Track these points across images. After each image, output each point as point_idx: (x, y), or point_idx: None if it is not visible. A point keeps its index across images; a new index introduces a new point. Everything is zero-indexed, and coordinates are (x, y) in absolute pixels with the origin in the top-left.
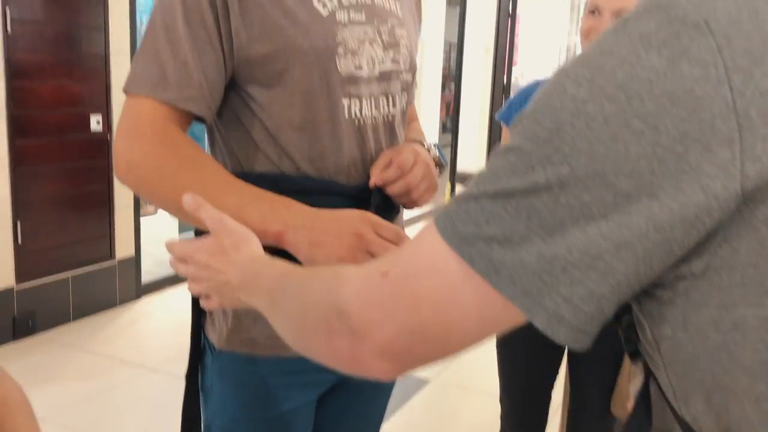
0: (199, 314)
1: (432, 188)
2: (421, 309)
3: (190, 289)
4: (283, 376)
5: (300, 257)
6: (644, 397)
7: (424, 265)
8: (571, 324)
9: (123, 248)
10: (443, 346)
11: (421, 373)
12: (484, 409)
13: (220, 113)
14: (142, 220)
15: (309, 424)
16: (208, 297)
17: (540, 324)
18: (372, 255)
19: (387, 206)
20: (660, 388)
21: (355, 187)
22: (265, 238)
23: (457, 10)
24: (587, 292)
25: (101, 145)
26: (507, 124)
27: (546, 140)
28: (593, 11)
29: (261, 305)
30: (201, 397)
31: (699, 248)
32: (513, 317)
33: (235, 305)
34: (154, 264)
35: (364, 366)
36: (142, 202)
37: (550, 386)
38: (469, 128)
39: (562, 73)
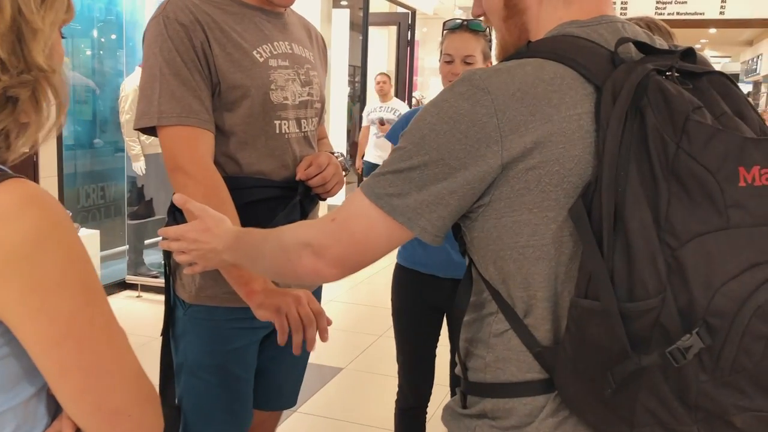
0: (170, 281)
1: (340, 183)
2: (355, 236)
3: (179, 259)
4: (235, 321)
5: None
6: (468, 275)
7: (356, 212)
8: (431, 233)
9: None
10: (369, 255)
11: (335, 362)
12: (389, 390)
13: None
14: None
15: (254, 359)
16: (193, 264)
17: (417, 234)
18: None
19: (308, 195)
20: (476, 267)
21: (283, 182)
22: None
23: (360, 36)
24: (438, 216)
25: (27, 166)
26: (393, 143)
27: (416, 143)
28: (448, 60)
29: (243, 258)
30: (173, 345)
31: (486, 191)
32: (405, 235)
33: (217, 266)
34: None
35: (322, 273)
36: None
37: (433, 345)
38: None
39: (424, 109)
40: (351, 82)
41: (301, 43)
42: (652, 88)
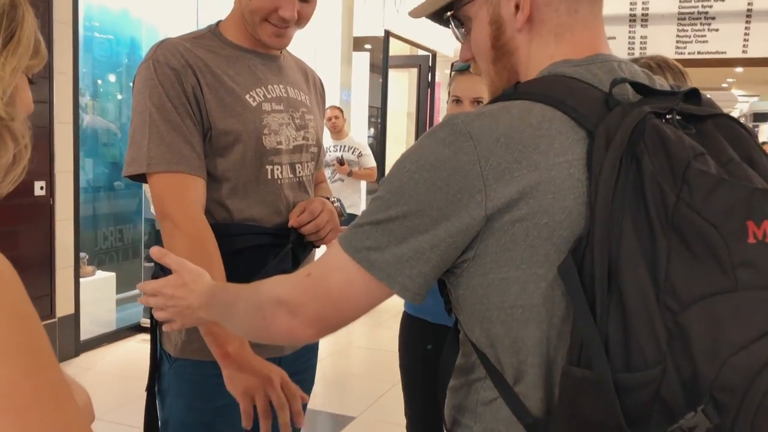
0: (156, 335)
1: (335, 230)
2: (332, 293)
3: (157, 316)
4: (222, 377)
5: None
6: (454, 335)
7: (332, 267)
8: (412, 290)
9: (63, 307)
10: (347, 314)
11: (348, 410)
12: None
13: None
14: (81, 281)
15: None
16: (171, 321)
17: (396, 292)
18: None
19: (301, 242)
20: (462, 328)
21: (275, 228)
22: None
23: (380, 79)
24: (418, 273)
25: (43, 209)
26: None
27: (395, 192)
28: (456, 100)
29: (218, 315)
30: (158, 400)
31: (470, 245)
32: (384, 293)
33: (194, 323)
34: (91, 323)
35: (297, 334)
36: (81, 263)
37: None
38: None
39: (403, 155)
40: (374, 123)
41: (297, 86)
42: (650, 133)
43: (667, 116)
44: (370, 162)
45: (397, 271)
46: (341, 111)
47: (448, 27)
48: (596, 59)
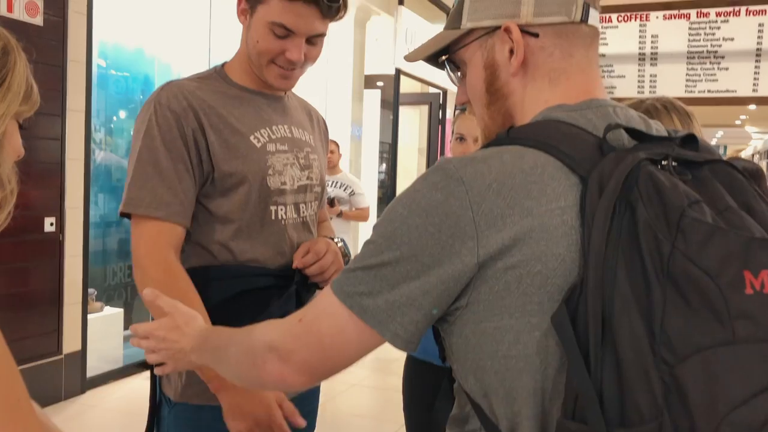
0: (155, 378)
1: (340, 270)
2: (323, 339)
3: (149, 359)
4: (223, 422)
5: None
6: (448, 385)
7: (324, 312)
8: (403, 338)
9: (70, 343)
10: (339, 361)
11: None
12: None
13: None
14: (89, 317)
15: None
16: (163, 365)
17: (388, 339)
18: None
19: (305, 283)
20: (456, 377)
21: (279, 270)
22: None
23: (391, 115)
24: (410, 320)
25: (53, 245)
26: None
27: (387, 237)
28: (459, 138)
29: (209, 360)
30: None
31: (463, 293)
32: (376, 340)
33: (186, 367)
34: (98, 359)
35: (289, 381)
36: (89, 299)
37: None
38: None
39: (396, 200)
40: (386, 159)
41: (302, 126)
42: (644, 180)
43: (663, 162)
44: (363, 202)
45: (389, 318)
46: (337, 145)
47: (444, 70)
48: (591, 104)
